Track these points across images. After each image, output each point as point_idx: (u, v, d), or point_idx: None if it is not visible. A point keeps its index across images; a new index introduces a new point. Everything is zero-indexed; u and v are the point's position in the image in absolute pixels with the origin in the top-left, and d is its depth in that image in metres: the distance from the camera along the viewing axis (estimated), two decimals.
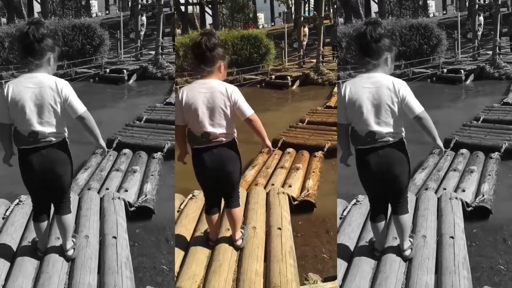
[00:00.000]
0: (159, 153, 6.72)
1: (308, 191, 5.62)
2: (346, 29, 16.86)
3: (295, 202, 5.31)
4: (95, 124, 3.27)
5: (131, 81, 15.28)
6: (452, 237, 3.89)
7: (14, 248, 3.83)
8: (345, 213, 4.49)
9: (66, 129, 3.32)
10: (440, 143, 3.28)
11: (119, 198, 4.85)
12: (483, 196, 5.17)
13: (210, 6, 26.37)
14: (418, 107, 3.14)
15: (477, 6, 16.97)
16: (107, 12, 21.95)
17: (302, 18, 21.14)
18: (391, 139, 3.24)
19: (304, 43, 18.60)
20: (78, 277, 3.42)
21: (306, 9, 31.24)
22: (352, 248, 3.87)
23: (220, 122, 3.41)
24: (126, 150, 6.90)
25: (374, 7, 20.08)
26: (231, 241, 3.89)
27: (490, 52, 15.78)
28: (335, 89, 13.59)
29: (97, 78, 15.52)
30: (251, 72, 16.63)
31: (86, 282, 3.39)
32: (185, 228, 4.22)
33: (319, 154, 7.13)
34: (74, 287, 3.35)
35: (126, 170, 6.13)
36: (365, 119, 3.22)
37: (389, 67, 3.28)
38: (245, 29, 24.69)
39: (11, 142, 3.35)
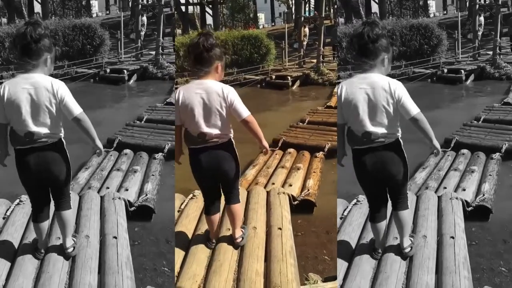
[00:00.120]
0: (160, 153, 6.73)
1: (308, 190, 5.62)
2: (346, 29, 16.86)
3: (295, 202, 5.32)
4: (91, 125, 3.26)
5: (131, 81, 15.28)
6: (453, 237, 3.89)
7: (15, 248, 3.83)
8: (345, 213, 4.49)
9: (62, 130, 3.32)
10: (436, 144, 3.28)
11: (119, 198, 4.85)
12: (484, 195, 5.17)
13: (210, 6, 26.38)
14: (414, 109, 3.14)
15: (477, 6, 16.98)
16: (108, 12, 21.94)
17: (302, 18, 21.15)
18: (387, 139, 3.24)
19: (305, 43, 18.61)
20: (78, 277, 3.43)
21: (307, 9, 31.27)
22: (352, 248, 3.88)
23: (216, 122, 3.41)
24: (127, 150, 6.90)
25: (375, 7, 20.07)
26: (231, 241, 3.89)
27: (491, 52, 15.79)
28: (335, 89, 13.60)
29: (97, 78, 15.52)
30: (251, 72, 16.64)
31: (86, 282, 3.39)
32: (185, 228, 4.22)
33: (320, 154, 7.14)
34: (75, 287, 3.36)
35: (127, 170, 6.14)
36: (361, 120, 3.22)
37: (385, 67, 3.27)
38: (245, 29, 24.74)
39: (6, 142, 3.36)
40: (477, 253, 4.21)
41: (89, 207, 4.53)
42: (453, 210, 4.45)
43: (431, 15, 20.70)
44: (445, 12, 21.75)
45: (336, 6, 22.03)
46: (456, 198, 4.75)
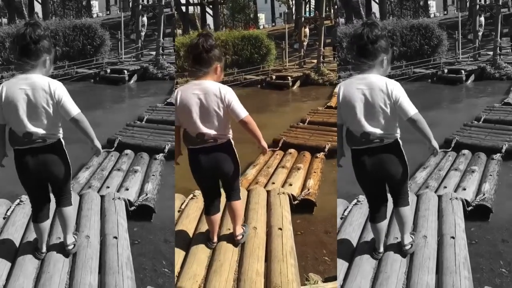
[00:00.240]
0: (161, 154, 6.73)
1: (308, 190, 5.62)
2: (347, 29, 16.86)
3: (296, 202, 5.32)
4: (89, 126, 3.25)
5: (131, 82, 15.28)
6: (453, 237, 3.90)
7: (15, 248, 3.83)
8: (346, 213, 4.49)
9: (61, 130, 3.32)
10: (435, 144, 3.28)
11: (119, 198, 4.85)
12: (484, 195, 5.17)
13: (211, 6, 26.39)
14: (411, 109, 3.13)
15: (478, 6, 16.99)
16: (108, 12, 21.93)
17: (303, 18, 21.14)
18: (385, 139, 3.25)
19: (305, 43, 18.61)
20: (79, 277, 3.43)
21: (307, 9, 31.27)
22: (353, 248, 3.88)
23: (214, 123, 3.41)
24: (128, 151, 6.91)
25: (375, 8, 20.07)
26: (232, 241, 3.90)
27: (491, 53, 15.79)
28: (335, 90, 13.60)
29: (97, 79, 15.53)
30: (251, 72, 16.64)
31: (87, 282, 3.39)
32: (185, 228, 4.23)
33: (321, 155, 7.14)
34: (75, 287, 3.36)
35: (128, 170, 6.14)
36: (359, 120, 3.23)
37: (384, 68, 3.27)
38: (245, 29, 24.73)
39: (4, 143, 3.37)
40: (477, 252, 4.21)
41: (90, 207, 4.53)
42: (453, 211, 4.45)
43: (432, 16, 20.68)
44: (445, 13, 21.74)
45: (336, 6, 22.03)
46: (456, 198, 4.75)
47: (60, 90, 3.16)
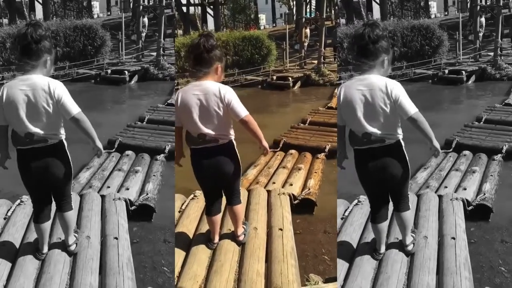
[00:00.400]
0: (162, 155, 6.74)
1: (309, 189, 5.62)
2: (347, 30, 16.85)
3: (296, 201, 5.31)
4: (90, 126, 3.24)
5: (132, 82, 15.28)
6: (454, 238, 3.90)
7: (16, 248, 3.83)
8: (346, 213, 4.49)
9: (63, 130, 3.32)
10: (436, 144, 3.27)
11: (119, 198, 4.85)
12: (484, 194, 5.17)
13: (211, 7, 26.39)
14: (411, 109, 3.13)
15: (478, 7, 16.97)
16: (109, 13, 21.95)
17: (303, 19, 21.17)
18: (387, 140, 3.25)
19: (306, 44, 18.61)
20: (79, 278, 3.43)
21: (308, 10, 31.24)
22: (353, 248, 3.88)
23: (215, 123, 3.42)
24: (129, 152, 6.92)
25: (376, 8, 20.07)
26: (232, 241, 3.90)
27: (492, 54, 15.78)
28: (336, 90, 13.60)
29: (98, 79, 15.52)
30: (252, 73, 16.63)
31: (87, 283, 3.39)
32: (186, 228, 4.23)
33: (322, 155, 7.14)
34: (76, 287, 3.36)
35: (128, 171, 6.15)
36: (360, 121, 3.23)
37: (385, 69, 3.28)
38: (246, 30, 24.70)
39: (7, 144, 3.37)
40: (477, 252, 4.21)
41: (90, 208, 4.54)
42: (454, 211, 4.45)
43: (432, 16, 20.69)
44: (446, 13, 21.75)
45: (337, 7, 22.03)
46: (457, 199, 4.75)
47: (59, 89, 3.15)
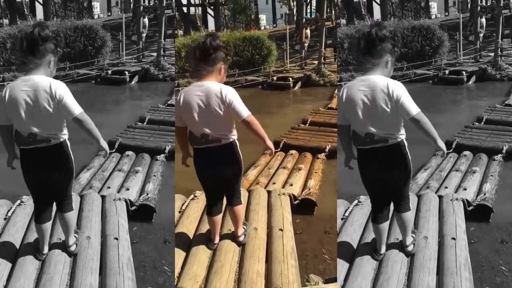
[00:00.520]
0: (162, 155, 6.74)
1: (309, 190, 5.62)
2: (348, 30, 16.84)
3: (296, 201, 5.31)
4: (94, 126, 3.22)
5: (132, 83, 15.28)
6: (454, 238, 3.89)
7: (16, 248, 3.83)
8: (346, 214, 4.49)
9: (65, 130, 3.32)
10: (441, 144, 3.25)
11: (120, 199, 4.86)
12: (485, 194, 5.17)
13: (212, 7, 26.42)
14: (413, 109, 3.12)
15: (479, 8, 16.96)
16: (109, 13, 21.94)
17: (304, 19, 21.16)
18: (390, 140, 3.25)
19: (306, 44, 18.61)
20: (79, 278, 3.43)
21: (308, 10, 31.24)
22: (353, 248, 3.87)
23: (216, 123, 3.42)
24: (129, 152, 6.92)
25: (376, 9, 20.06)
26: (232, 241, 3.90)
27: (492, 54, 15.78)
28: (336, 91, 13.61)
29: (98, 80, 15.53)
30: (252, 73, 16.63)
31: (87, 283, 3.39)
32: (186, 228, 4.23)
33: (322, 156, 7.14)
34: None
35: (129, 171, 6.15)
36: (362, 121, 3.24)
37: (388, 69, 3.29)
38: (247, 30, 24.69)
39: (14, 144, 3.37)
40: (478, 252, 4.22)
41: (90, 208, 4.54)
42: (454, 211, 4.45)
43: (433, 17, 20.68)
44: (446, 14, 21.73)
45: (337, 7, 22.02)
46: (457, 199, 4.75)
47: (61, 89, 3.15)
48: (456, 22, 17.62)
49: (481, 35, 16.71)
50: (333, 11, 25.74)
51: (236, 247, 3.89)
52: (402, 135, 3.29)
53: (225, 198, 3.86)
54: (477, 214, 4.92)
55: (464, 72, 14.84)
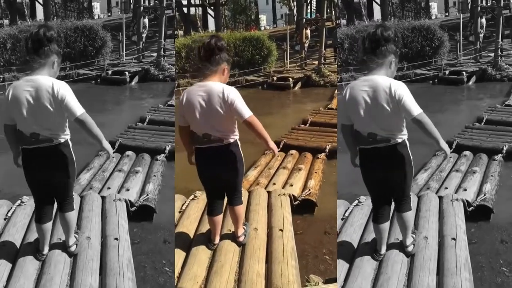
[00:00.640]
0: (162, 155, 6.74)
1: (309, 190, 5.62)
2: (348, 31, 16.85)
3: (296, 202, 5.31)
4: (96, 127, 3.22)
5: (133, 83, 15.29)
6: (454, 239, 3.89)
7: (16, 249, 3.83)
8: (346, 214, 4.49)
9: (67, 131, 3.32)
10: (444, 145, 3.25)
11: (120, 199, 4.85)
12: (485, 195, 5.17)
13: (212, 7, 26.41)
14: (415, 110, 3.12)
15: (479, 8, 16.97)
16: (109, 14, 21.99)
17: (304, 20, 21.16)
18: (392, 140, 3.25)
19: (306, 45, 18.62)
20: (79, 278, 3.43)
21: (308, 11, 31.25)
22: (353, 249, 3.87)
23: (218, 123, 3.43)
24: (129, 152, 6.92)
25: (377, 9, 20.08)
26: (232, 242, 3.90)
27: (492, 54, 15.78)
28: (337, 91, 13.61)
29: (99, 80, 15.53)
30: (253, 73, 16.63)
31: (87, 284, 3.39)
32: (186, 229, 4.23)
33: (322, 156, 7.14)
34: None
35: (129, 171, 6.15)
36: (365, 121, 3.26)
37: (391, 70, 3.31)
38: (247, 30, 24.72)
39: (17, 143, 3.37)
40: (478, 253, 4.21)
41: (91, 208, 4.53)
42: (454, 212, 4.45)
43: (433, 17, 20.70)
44: (447, 14, 21.77)
45: (338, 8, 22.03)
46: (457, 200, 4.75)
47: (63, 90, 3.15)
48: (456, 23, 17.63)
49: (481, 35, 16.72)
50: (333, 12, 25.74)
51: (236, 247, 3.89)
52: (404, 135, 3.29)
53: (225, 198, 3.87)
54: (477, 214, 4.92)
55: (464, 73, 14.85)
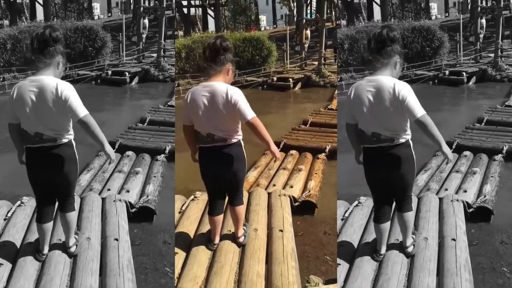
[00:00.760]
0: (162, 155, 6.74)
1: (309, 191, 5.61)
2: (348, 31, 16.85)
3: (296, 203, 5.30)
4: (99, 130, 3.22)
5: (133, 83, 15.29)
6: (454, 239, 3.89)
7: (16, 249, 3.83)
8: (346, 214, 4.48)
9: (71, 131, 3.33)
10: (446, 149, 3.25)
11: (120, 200, 4.85)
12: (485, 196, 5.17)
13: (212, 8, 26.39)
14: (419, 111, 3.12)
15: (479, 8, 16.97)
16: (109, 14, 22.00)
17: (304, 20, 21.15)
18: (396, 139, 3.26)
19: (306, 45, 18.61)
20: (79, 279, 3.43)
21: (308, 11, 31.24)
22: (354, 249, 3.87)
23: (222, 123, 3.45)
24: (129, 152, 6.91)
25: (377, 10, 20.07)
26: (232, 242, 3.90)
27: (492, 55, 15.78)
28: (337, 91, 13.60)
29: (99, 81, 15.53)
30: (253, 74, 16.64)
31: (87, 284, 3.39)
32: (186, 229, 4.23)
33: (322, 156, 7.14)
34: None
35: (129, 172, 6.14)
36: (369, 121, 3.28)
37: (396, 70, 3.34)
38: (247, 31, 24.71)
39: (22, 140, 3.38)
40: (479, 254, 4.21)
41: (91, 209, 4.53)
42: (454, 212, 4.45)
43: (433, 18, 20.71)
44: (447, 15, 21.77)
45: (337, 8, 22.03)
46: (457, 200, 4.75)
47: (67, 91, 3.17)
48: (456, 23, 17.63)
49: (481, 36, 16.72)
50: (333, 12, 25.74)
51: (236, 248, 3.89)
52: (408, 135, 3.31)
53: (226, 198, 3.87)
54: (477, 215, 4.91)
55: (464, 73, 14.85)
